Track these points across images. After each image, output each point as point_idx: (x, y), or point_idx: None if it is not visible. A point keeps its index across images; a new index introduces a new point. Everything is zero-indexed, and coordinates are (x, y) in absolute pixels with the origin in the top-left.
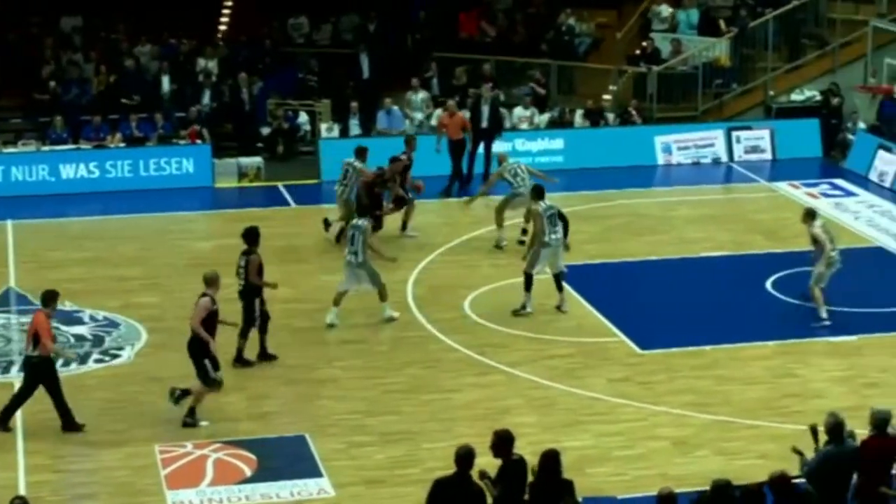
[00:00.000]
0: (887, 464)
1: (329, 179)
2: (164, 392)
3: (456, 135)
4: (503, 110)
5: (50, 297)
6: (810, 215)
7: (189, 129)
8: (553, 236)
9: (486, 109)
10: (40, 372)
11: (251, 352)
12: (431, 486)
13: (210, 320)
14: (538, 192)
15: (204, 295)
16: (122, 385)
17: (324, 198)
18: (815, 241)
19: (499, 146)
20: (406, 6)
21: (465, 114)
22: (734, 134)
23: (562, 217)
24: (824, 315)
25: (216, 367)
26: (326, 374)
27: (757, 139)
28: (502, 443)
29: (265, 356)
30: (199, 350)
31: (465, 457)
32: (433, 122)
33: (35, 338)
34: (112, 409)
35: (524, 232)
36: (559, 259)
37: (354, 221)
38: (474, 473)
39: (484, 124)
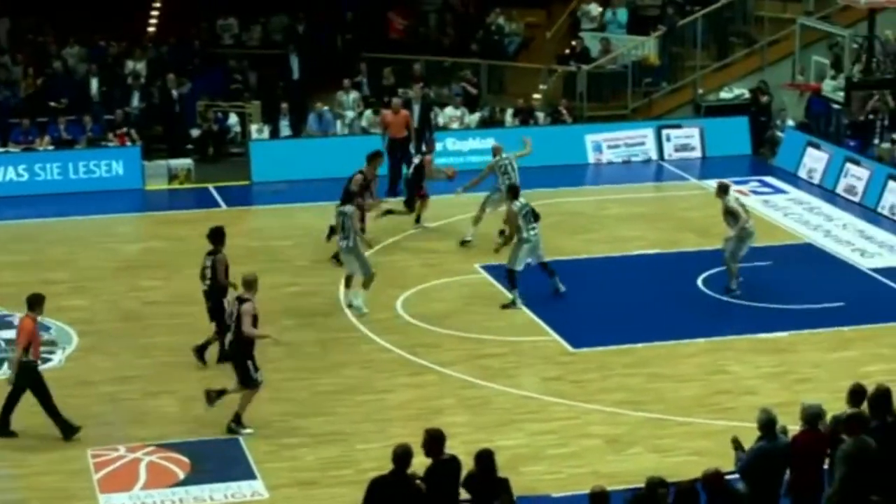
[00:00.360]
0: (818, 459)
1: (259, 181)
2: (96, 395)
3: (399, 133)
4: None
5: (35, 301)
6: (723, 189)
7: (118, 131)
8: (531, 232)
9: (416, 109)
10: (30, 377)
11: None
12: (368, 485)
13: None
14: (514, 192)
15: (244, 300)
16: (53, 389)
17: (254, 199)
18: (730, 213)
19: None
20: (335, 7)
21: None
22: (664, 132)
23: (534, 213)
24: (734, 286)
25: (256, 367)
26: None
27: (687, 137)
28: (433, 442)
29: (224, 359)
30: (243, 352)
31: (402, 456)
32: (364, 122)
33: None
34: (44, 414)
35: (502, 233)
36: (539, 250)
37: (341, 208)
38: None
39: (414, 124)
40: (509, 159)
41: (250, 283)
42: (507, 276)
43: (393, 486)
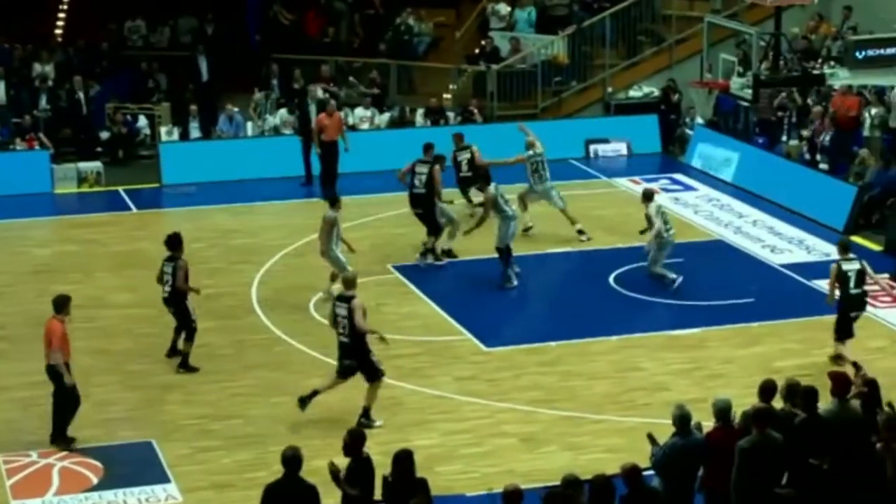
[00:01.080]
0: (732, 455)
1: (169, 183)
2: (9, 401)
3: (333, 136)
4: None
5: (62, 303)
6: (647, 196)
7: (27, 136)
8: (510, 211)
9: (312, 109)
10: (55, 379)
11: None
12: (262, 493)
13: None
14: (487, 179)
15: (351, 297)
16: None
17: (165, 202)
18: (648, 220)
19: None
20: (243, 8)
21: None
22: (591, 147)
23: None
24: (673, 276)
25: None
26: (171, 380)
27: (614, 151)
28: (354, 441)
29: (174, 353)
30: (362, 349)
31: (291, 459)
32: (277, 121)
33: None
34: None
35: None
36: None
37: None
38: (323, 468)
39: (312, 125)
40: (540, 160)
41: (352, 282)
42: (500, 255)
43: (286, 490)
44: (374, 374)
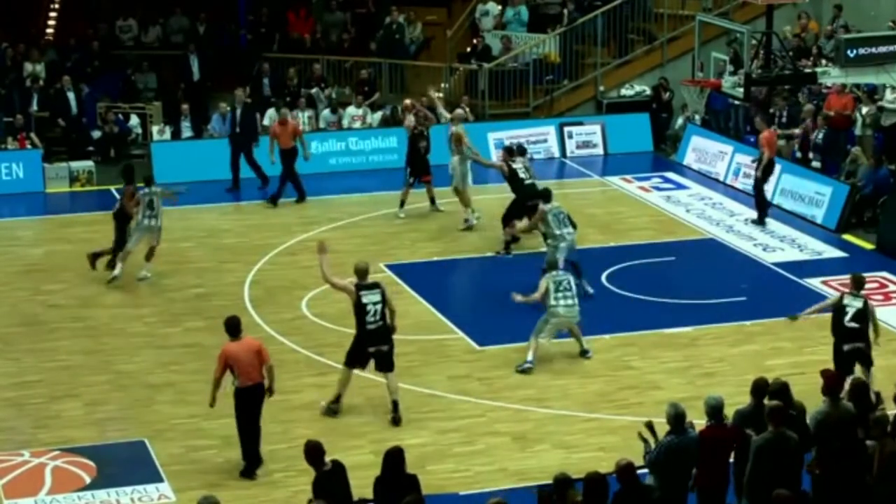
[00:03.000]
0: (725, 453)
1: (161, 182)
2: None
3: (288, 143)
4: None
5: (233, 326)
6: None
7: (19, 135)
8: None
9: (238, 114)
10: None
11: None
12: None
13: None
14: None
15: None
16: None
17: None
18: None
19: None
20: (235, 7)
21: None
22: (566, 129)
23: None
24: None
25: None
26: (163, 379)
27: (588, 134)
28: (308, 454)
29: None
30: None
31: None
32: (266, 121)
33: None
34: None
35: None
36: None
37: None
38: None
39: (237, 129)
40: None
41: (364, 272)
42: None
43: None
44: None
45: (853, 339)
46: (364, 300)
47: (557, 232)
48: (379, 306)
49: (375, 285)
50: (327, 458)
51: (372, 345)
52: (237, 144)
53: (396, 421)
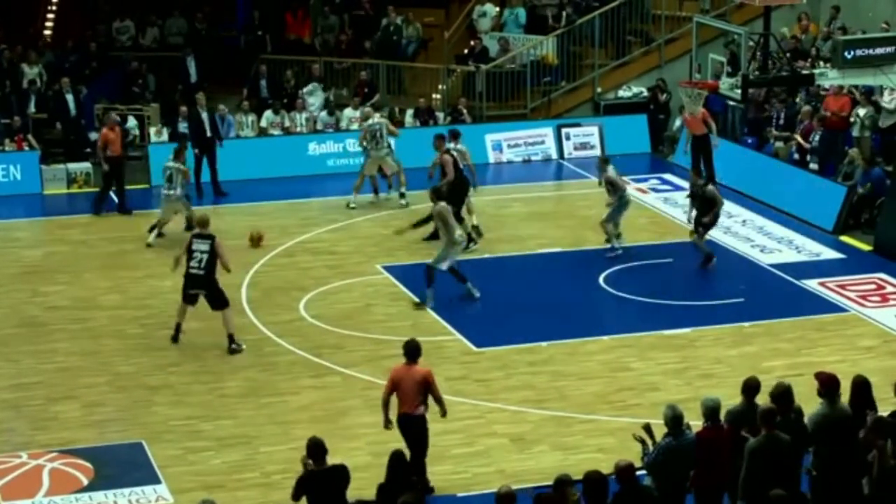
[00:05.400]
0: (722, 454)
1: (159, 184)
2: None
3: (118, 150)
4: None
5: (413, 351)
6: (605, 161)
7: (16, 136)
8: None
9: (205, 118)
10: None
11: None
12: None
13: None
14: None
15: (213, 236)
16: None
17: (154, 202)
18: (610, 184)
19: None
20: (232, 9)
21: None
22: (563, 131)
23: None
24: (616, 245)
25: None
26: (160, 380)
27: (586, 136)
28: (310, 451)
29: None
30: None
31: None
32: (263, 123)
33: None
34: None
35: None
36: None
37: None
38: None
39: (208, 133)
40: (380, 126)
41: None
42: (426, 273)
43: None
44: (224, 303)
45: None
46: (193, 247)
47: (455, 236)
48: (206, 255)
49: (209, 237)
50: (329, 460)
51: (191, 288)
52: (203, 148)
53: (233, 352)
